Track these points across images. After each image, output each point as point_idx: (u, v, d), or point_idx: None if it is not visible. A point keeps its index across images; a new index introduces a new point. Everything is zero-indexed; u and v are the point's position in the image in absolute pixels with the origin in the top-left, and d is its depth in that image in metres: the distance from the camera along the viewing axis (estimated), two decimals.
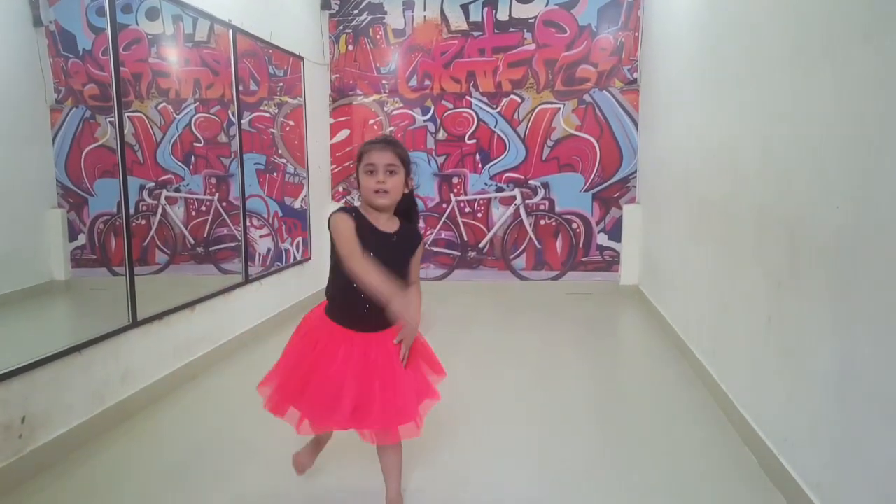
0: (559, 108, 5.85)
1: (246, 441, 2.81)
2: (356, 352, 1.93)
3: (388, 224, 2.00)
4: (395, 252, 1.98)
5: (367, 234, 1.93)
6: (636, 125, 5.77)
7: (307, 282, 5.50)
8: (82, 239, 3.32)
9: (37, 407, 2.51)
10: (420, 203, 2.12)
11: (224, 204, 4.22)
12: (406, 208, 2.05)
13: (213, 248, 4.17)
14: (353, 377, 1.91)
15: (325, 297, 2.09)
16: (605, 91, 5.79)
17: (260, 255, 4.64)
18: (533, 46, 5.81)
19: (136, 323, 3.16)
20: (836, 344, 1.94)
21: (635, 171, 5.81)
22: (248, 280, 4.36)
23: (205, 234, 4.07)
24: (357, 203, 2.06)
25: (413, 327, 1.96)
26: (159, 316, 3.36)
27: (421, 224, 2.12)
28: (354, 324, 1.97)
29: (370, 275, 1.84)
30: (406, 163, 1.97)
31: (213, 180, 4.15)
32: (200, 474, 2.51)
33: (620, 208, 5.83)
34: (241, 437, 2.84)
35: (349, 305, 1.97)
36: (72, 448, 2.66)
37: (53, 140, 3.32)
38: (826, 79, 2.06)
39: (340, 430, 2.03)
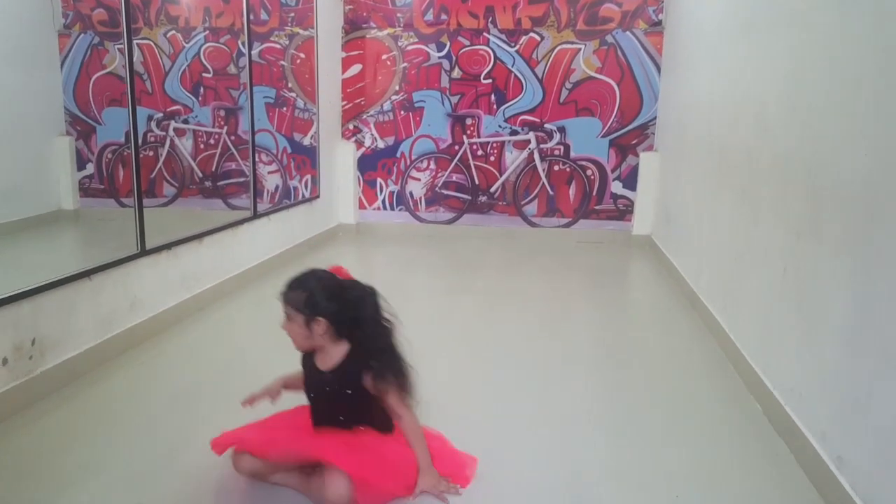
0: (580, 49, 5.73)
1: (250, 371, 2.90)
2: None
3: (325, 359, 1.92)
4: (333, 393, 1.91)
5: (309, 370, 1.97)
6: (658, 70, 5.65)
7: (315, 220, 5.54)
8: (90, 168, 3.36)
9: (47, 330, 2.61)
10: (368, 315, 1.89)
11: (232, 138, 4.23)
12: (361, 347, 1.89)
13: (222, 182, 4.20)
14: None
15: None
16: (628, 32, 5.65)
17: (268, 191, 4.67)
18: None
19: (144, 252, 3.21)
20: (852, 296, 1.94)
21: (655, 118, 5.72)
22: (256, 215, 4.40)
23: (213, 168, 4.10)
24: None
25: (425, 477, 1.92)
26: (168, 246, 3.40)
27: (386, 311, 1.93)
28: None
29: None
30: (303, 307, 1.84)
31: (222, 113, 4.14)
32: (206, 401, 2.62)
33: (637, 156, 5.77)
34: (246, 367, 2.94)
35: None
36: (81, 371, 2.77)
37: (61, 66, 3.32)
38: (859, 19, 2.02)
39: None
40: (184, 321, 3.49)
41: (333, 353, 1.91)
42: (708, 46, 4.08)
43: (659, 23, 5.61)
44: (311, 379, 1.96)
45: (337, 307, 1.85)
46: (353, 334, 1.90)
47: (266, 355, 3.08)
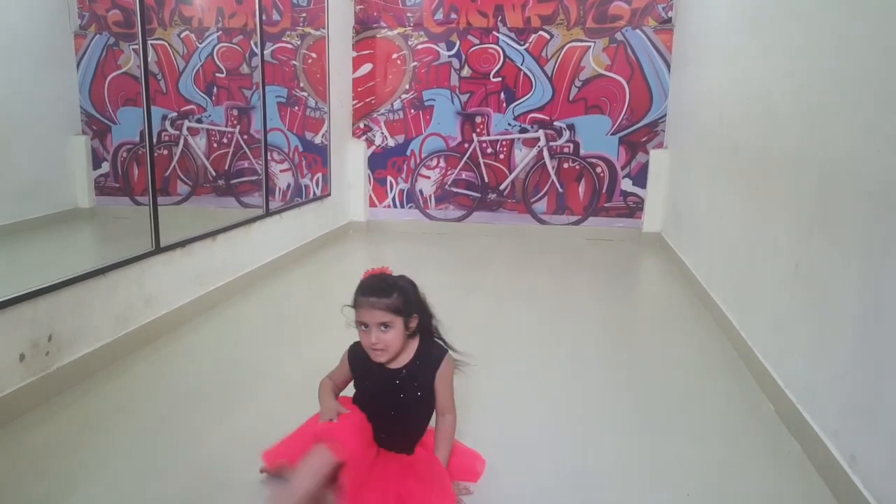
0: (589, 47, 5.71)
1: (264, 368, 2.92)
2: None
3: (399, 358, 1.83)
4: (399, 391, 1.82)
5: (366, 368, 1.84)
6: (668, 67, 5.62)
7: (326, 218, 5.55)
8: (106, 167, 3.38)
9: (63, 326, 2.63)
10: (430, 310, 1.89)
11: (245, 137, 4.24)
12: (429, 342, 1.88)
13: (235, 180, 4.22)
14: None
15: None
16: (637, 30, 5.62)
17: (280, 189, 4.68)
18: None
19: (159, 249, 3.22)
20: (865, 292, 1.92)
21: (665, 115, 5.69)
22: (268, 213, 4.41)
23: (226, 167, 4.11)
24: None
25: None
26: (182, 244, 3.42)
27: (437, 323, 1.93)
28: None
29: (321, 399, 1.86)
30: (403, 310, 1.76)
31: (235, 112, 4.15)
32: (220, 398, 2.63)
33: (647, 153, 5.74)
34: (260, 365, 2.95)
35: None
36: (96, 368, 2.79)
37: (77, 66, 3.34)
38: (870, 12, 1.99)
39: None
40: (197, 318, 3.51)
41: (409, 350, 1.84)
42: (717, 43, 4.05)
43: (668, 20, 5.57)
44: (378, 379, 1.83)
45: (423, 304, 1.83)
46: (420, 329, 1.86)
47: (277, 351, 3.13)
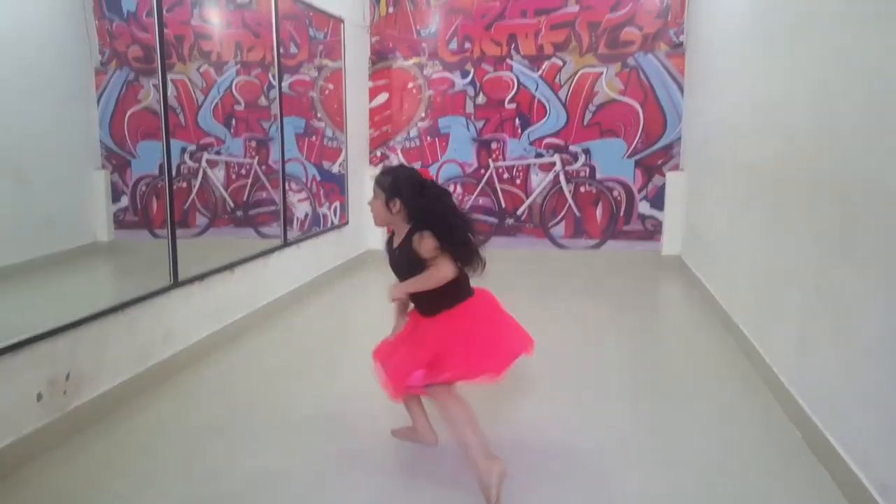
0: (602, 72, 5.65)
1: (283, 402, 2.82)
2: (419, 325, 2.26)
3: (397, 239, 2.26)
4: (399, 260, 2.24)
5: (389, 250, 2.31)
6: (681, 90, 5.54)
7: (344, 247, 5.48)
8: (125, 201, 3.33)
9: (82, 364, 2.55)
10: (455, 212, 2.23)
11: (263, 167, 4.20)
12: (416, 222, 2.18)
13: (253, 211, 4.17)
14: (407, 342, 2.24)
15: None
16: (649, 55, 5.56)
17: (298, 219, 4.63)
18: (576, 8, 5.60)
19: (177, 283, 3.17)
20: (890, 314, 1.84)
21: (680, 138, 5.60)
22: (286, 243, 4.35)
23: (244, 198, 4.07)
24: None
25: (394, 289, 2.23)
26: (200, 277, 3.37)
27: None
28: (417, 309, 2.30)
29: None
30: (386, 188, 2.19)
31: (253, 144, 4.12)
32: (240, 433, 2.53)
33: (664, 175, 5.64)
34: (278, 399, 2.86)
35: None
36: (115, 406, 2.70)
37: (98, 101, 3.31)
38: (888, 28, 1.91)
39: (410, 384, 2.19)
40: (216, 352, 3.43)
41: (403, 233, 2.21)
42: (730, 63, 4.00)
43: (680, 44, 5.50)
44: (391, 256, 2.28)
45: (412, 194, 2.16)
46: (425, 222, 2.15)
47: (296, 385, 3.04)
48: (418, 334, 2.21)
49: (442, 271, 2.11)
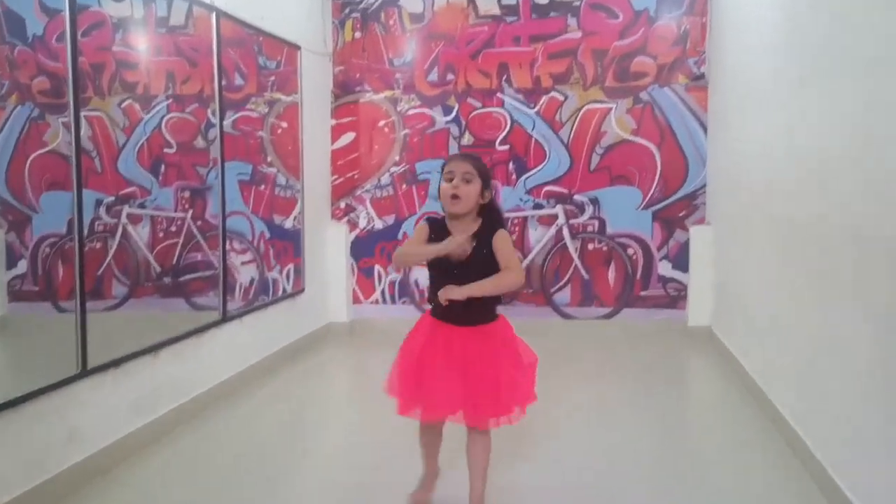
0: (611, 109, 5.75)
1: None
2: (452, 343, 2.52)
3: (464, 230, 2.50)
4: (474, 259, 2.46)
5: (442, 236, 2.51)
6: (704, 129, 5.64)
7: (300, 320, 5.41)
8: (23, 266, 3.24)
9: None
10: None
11: (199, 223, 4.16)
12: (490, 218, 2.57)
13: (184, 277, 4.11)
14: (452, 367, 2.50)
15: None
16: (666, 88, 5.68)
17: (241, 286, 4.57)
18: (578, 34, 5.74)
19: (86, 372, 3.09)
20: None
21: (704, 186, 5.67)
22: (225, 318, 4.29)
23: (174, 261, 4.01)
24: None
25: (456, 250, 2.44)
26: (115, 363, 3.30)
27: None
28: (444, 316, 2.54)
29: (407, 250, 2.80)
30: (483, 175, 2.54)
31: (187, 194, 4.08)
32: None
33: (687, 230, 5.68)
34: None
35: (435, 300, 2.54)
36: None
37: None
38: None
39: (450, 414, 2.60)
40: (136, 455, 3.34)
41: (472, 227, 2.52)
42: (761, 99, 4.10)
43: (701, 76, 5.62)
44: (448, 259, 2.45)
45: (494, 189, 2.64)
46: (498, 222, 2.59)
47: (239, 496, 2.91)
48: (459, 351, 2.49)
49: (519, 276, 2.46)
